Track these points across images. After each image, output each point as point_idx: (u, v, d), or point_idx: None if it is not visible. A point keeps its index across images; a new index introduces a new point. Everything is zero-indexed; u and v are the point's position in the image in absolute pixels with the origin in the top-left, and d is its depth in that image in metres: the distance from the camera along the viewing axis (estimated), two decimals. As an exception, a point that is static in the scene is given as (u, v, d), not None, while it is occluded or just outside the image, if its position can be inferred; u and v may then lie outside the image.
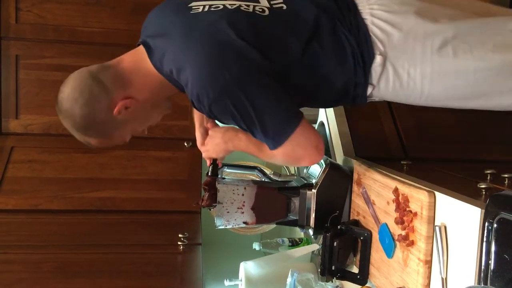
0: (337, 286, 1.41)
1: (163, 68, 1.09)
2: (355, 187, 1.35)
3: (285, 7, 1.13)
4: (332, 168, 1.39)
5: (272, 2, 1.13)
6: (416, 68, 1.09)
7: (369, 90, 1.13)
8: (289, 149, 1.07)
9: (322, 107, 1.66)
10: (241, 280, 1.57)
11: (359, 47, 1.08)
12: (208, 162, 1.38)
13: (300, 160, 1.10)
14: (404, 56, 1.09)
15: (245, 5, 1.11)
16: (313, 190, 1.38)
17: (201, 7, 1.11)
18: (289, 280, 1.43)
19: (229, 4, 1.11)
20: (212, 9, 1.10)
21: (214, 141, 1.25)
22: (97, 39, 2.10)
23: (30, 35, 2.08)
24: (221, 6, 1.10)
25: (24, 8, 2.07)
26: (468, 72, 1.09)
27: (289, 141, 1.05)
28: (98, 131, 1.13)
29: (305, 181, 1.44)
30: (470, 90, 1.12)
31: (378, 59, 1.08)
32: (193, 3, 1.13)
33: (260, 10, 1.10)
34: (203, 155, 1.32)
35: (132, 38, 2.20)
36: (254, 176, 1.60)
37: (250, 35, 1.04)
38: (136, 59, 1.12)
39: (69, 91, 1.08)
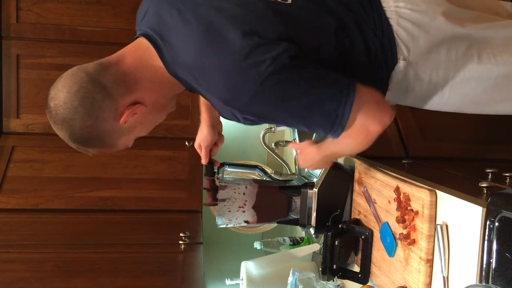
0: (339, 285, 1.41)
1: (176, 69, 0.95)
2: (356, 186, 1.35)
3: None
4: (333, 167, 1.39)
5: None
6: (439, 73, 1.03)
7: (387, 95, 1.06)
8: (359, 126, 0.92)
9: None
10: (242, 279, 1.58)
11: (383, 51, 1.00)
12: (204, 160, 1.35)
13: (374, 130, 0.93)
14: (428, 60, 1.02)
15: None
16: (314, 189, 1.38)
17: None
18: (290, 279, 1.43)
19: None
20: None
21: (311, 158, 1.19)
22: (97, 39, 2.10)
23: (30, 35, 2.08)
24: None
25: (24, 7, 2.07)
26: (490, 78, 1.04)
27: (354, 110, 0.89)
28: (100, 142, 0.97)
29: (306, 180, 1.44)
30: (490, 95, 1.07)
31: (401, 64, 1.01)
32: None
33: None
34: (310, 168, 1.27)
35: (133, 38, 2.21)
36: (255, 175, 1.60)
37: (279, 27, 0.91)
38: (141, 55, 0.96)
39: (66, 98, 0.91)
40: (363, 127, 0.92)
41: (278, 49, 0.87)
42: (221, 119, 1.24)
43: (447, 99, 1.07)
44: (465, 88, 1.05)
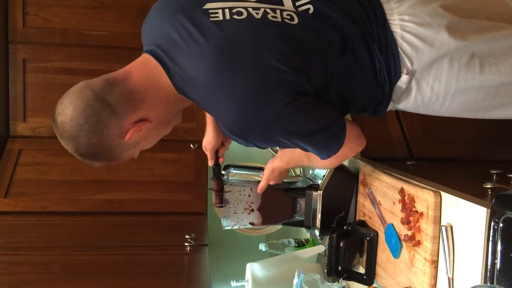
0: (344, 286, 1.41)
1: (185, 89, 0.96)
2: (361, 188, 1.36)
3: (311, 9, 1.01)
4: (337, 169, 1.39)
5: (297, 4, 1.02)
6: (441, 83, 1.04)
7: (390, 105, 1.10)
8: (339, 153, 1.03)
9: None
10: (247, 281, 1.58)
11: (387, 65, 1.02)
12: (210, 163, 1.38)
13: (348, 156, 1.09)
14: (430, 72, 1.04)
15: (271, 10, 0.97)
16: (319, 191, 1.38)
17: (220, 12, 0.95)
18: (295, 280, 1.43)
19: (253, 9, 0.97)
20: (235, 17, 0.95)
21: (278, 170, 1.31)
22: (103, 42, 2.11)
23: (37, 39, 2.09)
24: (245, 13, 0.96)
25: (31, 12, 2.08)
26: (492, 87, 1.05)
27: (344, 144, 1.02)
28: (106, 157, 0.98)
29: (311, 182, 1.45)
30: (491, 102, 1.09)
31: (404, 78, 1.03)
32: (208, 4, 0.97)
33: (289, 17, 0.98)
34: (271, 182, 1.36)
35: (138, 41, 2.21)
36: (261, 177, 1.60)
37: (290, 57, 0.93)
38: (148, 73, 0.96)
39: (72, 115, 0.92)
40: (342, 154, 1.04)
41: (289, 86, 0.91)
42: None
43: (448, 107, 1.09)
44: (466, 97, 1.07)
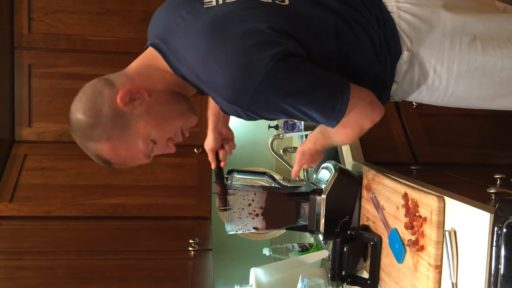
0: (348, 291, 1.41)
1: (183, 71, 0.98)
2: (364, 192, 1.36)
3: None
4: (341, 174, 1.39)
5: None
6: (443, 64, 1.05)
7: (394, 87, 1.08)
8: (352, 122, 0.98)
9: None
10: (251, 286, 1.58)
11: (387, 43, 1.03)
12: (212, 165, 1.37)
13: (364, 126, 1.00)
14: (431, 52, 1.04)
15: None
16: (322, 195, 1.39)
17: (214, 0, 0.98)
18: (299, 285, 1.43)
19: None
20: (227, 1, 0.98)
21: (308, 152, 1.28)
22: (108, 48, 2.12)
23: (42, 45, 2.11)
24: None
25: (36, 18, 2.10)
26: (495, 70, 1.05)
27: (348, 110, 0.94)
28: (106, 129, 0.95)
29: (315, 187, 1.45)
30: (495, 89, 1.08)
31: (405, 55, 1.03)
32: None
33: (280, 0, 1.01)
34: (304, 166, 1.33)
35: (142, 47, 2.23)
36: (264, 181, 1.61)
37: (280, 25, 0.93)
38: (145, 59, 1.01)
39: (75, 102, 0.99)
40: (357, 125, 0.99)
41: (279, 47, 0.90)
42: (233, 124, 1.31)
43: (451, 92, 1.08)
44: (469, 81, 1.06)
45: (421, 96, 1.12)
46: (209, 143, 1.33)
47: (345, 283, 1.30)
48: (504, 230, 0.79)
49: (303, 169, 2.07)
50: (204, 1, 0.99)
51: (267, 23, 0.92)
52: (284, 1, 1.01)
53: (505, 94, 1.10)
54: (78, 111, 0.96)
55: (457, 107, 1.16)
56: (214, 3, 0.98)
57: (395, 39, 1.03)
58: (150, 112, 0.96)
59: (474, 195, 0.92)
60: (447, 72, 1.05)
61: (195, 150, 2.13)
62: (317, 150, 1.28)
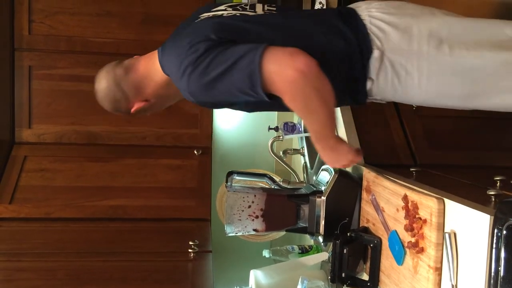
0: (347, 293, 1.41)
1: (164, 69, 1.20)
2: (364, 194, 1.36)
3: (276, 10, 1.24)
4: (341, 175, 1.39)
5: (266, 9, 1.22)
6: (413, 64, 1.13)
7: (369, 84, 1.16)
8: (274, 72, 1.00)
9: None
10: (251, 288, 1.58)
11: (359, 43, 1.13)
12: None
13: (288, 75, 0.99)
14: (401, 53, 1.13)
15: (241, 13, 1.19)
16: (322, 197, 1.38)
17: (205, 16, 1.20)
18: (299, 287, 1.43)
19: (228, 12, 1.20)
20: (211, 14, 1.20)
21: (324, 149, 1.16)
22: (108, 49, 2.13)
23: (42, 46, 2.11)
24: (220, 13, 1.20)
25: (37, 19, 2.11)
26: (465, 69, 1.12)
27: (266, 62, 1.00)
28: (124, 112, 1.30)
29: (315, 188, 1.45)
30: (468, 88, 1.14)
31: (375, 53, 1.13)
32: (203, 14, 1.22)
33: (251, 12, 1.21)
34: (337, 165, 1.23)
35: (142, 48, 2.23)
36: (264, 183, 1.61)
37: (224, 27, 1.11)
38: (148, 62, 1.24)
39: (101, 88, 1.26)
40: (280, 76, 1.00)
41: (208, 41, 1.07)
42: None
43: (426, 91, 1.15)
44: (441, 79, 1.14)
45: (398, 94, 1.18)
46: None
47: (345, 285, 1.30)
48: (504, 232, 0.79)
49: (304, 171, 2.07)
50: (200, 17, 1.21)
51: (213, 27, 1.11)
52: (255, 13, 1.19)
53: (479, 93, 1.15)
54: (104, 103, 1.28)
55: (445, 108, 1.22)
56: (201, 18, 1.20)
57: (366, 40, 1.13)
58: (151, 108, 1.30)
59: (474, 197, 0.92)
60: (417, 71, 1.13)
61: (195, 152, 2.13)
62: (327, 143, 1.13)
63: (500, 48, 1.12)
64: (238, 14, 1.18)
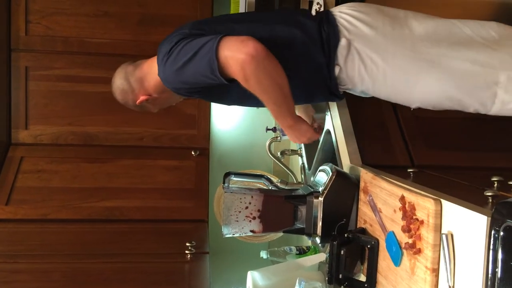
0: (345, 294, 1.40)
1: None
2: (361, 195, 1.35)
3: None
4: (338, 176, 1.39)
5: None
6: (378, 54, 1.25)
7: (337, 70, 1.28)
8: (229, 57, 1.15)
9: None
10: (248, 289, 1.57)
11: (326, 32, 1.27)
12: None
13: (239, 58, 1.14)
14: (366, 43, 1.26)
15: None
16: (320, 198, 1.38)
17: None
18: (296, 288, 1.43)
19: None
20: None
21: (288, 129, 1.34)
22: (105, 50, 2.13)
23: (39, 47, 2.11)
24: None
25: (33, 20, 2.10)
26: (425, 65, 1.23)
27: (222, 49, 1.15)
28: (131, 107, 1.47)
29: (312, 189, 1.45)
30: (429, 83, 1.25)
31: (343, 41, 1.26)
32: None
33: None
34: (301, 140, 1.40)
35: (139, 49, 2.24)
36: (261, 184, 1.60)
37: (202, 25, 1.29)
38: (152, 62, 1.37)
39: (114, 81, 1.45)
40: (233, 59, 1.15)
41: (180, 35, 1.25)
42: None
43: (391, 81, 1.27)
44: (404, 72, 1.25)
45: (365, 83, 1.30)
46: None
47: (342, 286, 1.29)
48: (501, 233, 0.78)
49: (301, 172, 2.07)
50: None
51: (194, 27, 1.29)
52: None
53: (441, 89, 1.26)
54: (117, 95, 1.46)
55: (411, 102, 1.33)
56: None
57: (335, 30, 1.27)
58: (154, 103, 1.45)
59: (471, 198, 0.92)
60: (382, 61, 1.25)
61: (193, 153, 2.13)
62: (285, 121, 1.30)
63: (458, 45, 1.25)
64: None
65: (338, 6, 1.37)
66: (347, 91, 1.39)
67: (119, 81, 1.43)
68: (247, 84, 1.17)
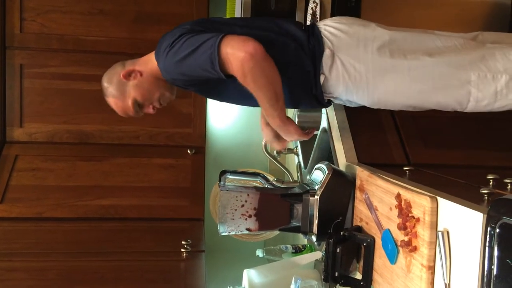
0: (341, 292, 1.40)
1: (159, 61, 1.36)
2: (357, 193, 1.36)
3: None
4: (334, 174, 1.39)
5: None
6: (361, 63, 1.33)
7: (322, 79, 1.35)
8: (229, 53, 1.21)
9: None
10: (244, 287, 1.57)
11: (312, 43, 1.35)
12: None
13: (239, 56, 1.20)
14: (349, 53, 1.34)
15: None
16: (316, 196, 1.38)
17: None
18: (292, 287, 1.43)
19: None
20: None
21: (277, 127, 1.40)
22: (100, 48, 2.12)
23: (34, 45, 2.10)
24: None
25: (28, 17, 2.09)
26: (404, 69, 1.33)
27: (224, 46, 1.21)
28: (113, 90, 1.43)
29: (308, 188, 1.45)
30: (407, 86, 1.34)
31: (327, 52, 1.34)
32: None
33: None
34: (290, 138, 1.46)
35: (134, 47, 2.23)
36: (257, 182, 1.60)
37: (204, 23, 1.34)
38: (148, 57, 1.43)
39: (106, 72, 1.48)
40: (234, 56, 1.21)
41: (183, 29, 1.31)
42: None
43: (373, 88, 1.35)
44: (385, 77, 1.34)
45: (350, 91, 1.37)
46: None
47: (338, 284, 1.30)
48: (497, 230, 0.78)
49: (297, 170, 2.07)
50: None
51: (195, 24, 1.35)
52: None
53: (418, 91, 1.35)
54: (104, 80, 1.45)
55: (392, 108, 1.41)
56: None
57: (320, 41, 1.35)
58: (139, 85, 1.42)
59: (467, 196, 0.92)
60: (365, 69, 1.34)
61: (188, 151, 2.12)
62: (277, 120, 1.35)
63: (433, 50, 1.35)
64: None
65: (323, 20, 1.47)
66: (333, 100, 1.45)
67: (107, 74, 1.46)
68: (244, 80, 1.24)
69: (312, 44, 1.35)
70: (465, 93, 1.34)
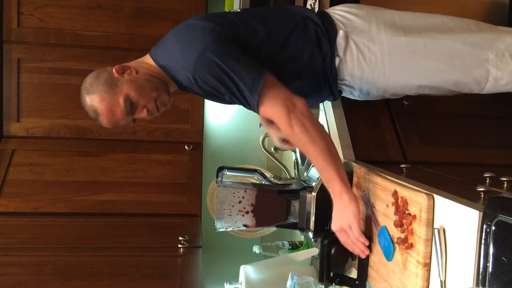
0: (337, 289, 1.41)
1: (158, 59, 1.29)
2: (355, 190, 1.36)
3: None
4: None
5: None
6: (375, 44, 1.31)
7: (337, 61, 1.32)
8: (271, 109, 1.16)
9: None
10: (241, 284, 1.58)
11: (324, 24, 1.32)
12: None
13: (281, 112, 1.14)
14: (363, 35, 1.32)
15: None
16: (313, 193, 1.39)
17: None
18: (289, 283, 1.43)
19: None
20: None
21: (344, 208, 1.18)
22: (98, 43, 2.11)
23: (32, 39, 2.09)
24: None
25: (26, 12, 2.08)
26: (419, 47, 1.31)
27: (265, 89, 1.15)
28: (99, 85, 1.25)
29: (305, 184, 1.45)
30: (424, 64, 1.31)
31: (341, 33, 1.32)
32: None
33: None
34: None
35: (133, 42, 2.22)
36: (255, 179, 1.61)
37: (221, 22, 1.25)
38: (144, 59, 1.34)
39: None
40: (275, 109, 1.16)
41: (215, 33, 1.21)
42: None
43: (389, 69, 1.32)
44: (401, 57, 1.32)
45: (365, 74, 1.33)
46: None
47: (333, 283, 1.30)
48: (493, 228, 0.79)
49: (295, 167, 2.07)
50: None
51: (214, 21, 1.25)
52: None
53: (436, 70, 1.32)
54: (88, 77, 1.29)
55: (410, 88, 1.37)
56: None
57: (332, 24, 1.33)
58: (134, 81, 1.26)
59: (463, 193, 0.93)
60: (379, 49, 1.31)
61: (186, 147, 2.12)
62: (337, 189, 1.16)
63: (448, 29, 1.34)
64: None
65: (330, 7, 1.44)
66: (345, 88, 1.39)
67: (93, 72, 1.31)
68: (291, 130, 1.14)
69: (325, 26, 1.33)
70: (484, 72, 1.32)
